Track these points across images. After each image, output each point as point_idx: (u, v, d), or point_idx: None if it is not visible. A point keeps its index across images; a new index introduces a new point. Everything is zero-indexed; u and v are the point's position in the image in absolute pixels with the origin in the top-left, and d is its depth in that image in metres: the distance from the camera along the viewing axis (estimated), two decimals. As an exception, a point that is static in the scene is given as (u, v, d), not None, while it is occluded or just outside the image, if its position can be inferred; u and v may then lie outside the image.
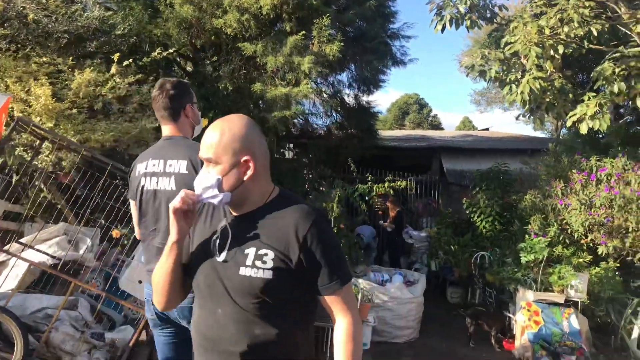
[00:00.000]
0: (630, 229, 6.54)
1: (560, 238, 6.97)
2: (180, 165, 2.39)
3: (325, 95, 10.08)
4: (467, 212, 8.94)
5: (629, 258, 6.79)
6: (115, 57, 6.66)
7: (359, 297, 5.51)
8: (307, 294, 1.71)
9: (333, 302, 1.70)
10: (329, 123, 10.91)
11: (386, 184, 6.44)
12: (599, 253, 6.70)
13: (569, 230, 6.91)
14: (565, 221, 6.94)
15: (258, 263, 1.62)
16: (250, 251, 1.64)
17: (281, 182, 7.86)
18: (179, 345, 2.53)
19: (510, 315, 6.71)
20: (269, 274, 1.61)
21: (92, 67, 6.39)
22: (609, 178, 6.87)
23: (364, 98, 10.58)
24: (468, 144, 12.06)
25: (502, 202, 8.63)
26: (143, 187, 2.47)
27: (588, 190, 6.83)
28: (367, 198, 6.75)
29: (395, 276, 7.06)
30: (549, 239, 6.74)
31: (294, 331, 1.71)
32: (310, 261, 1.63)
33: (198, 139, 2.44)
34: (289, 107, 7.01)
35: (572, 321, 6.10)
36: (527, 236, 6.84)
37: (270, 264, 1.61)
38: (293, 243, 1.62)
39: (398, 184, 6.49)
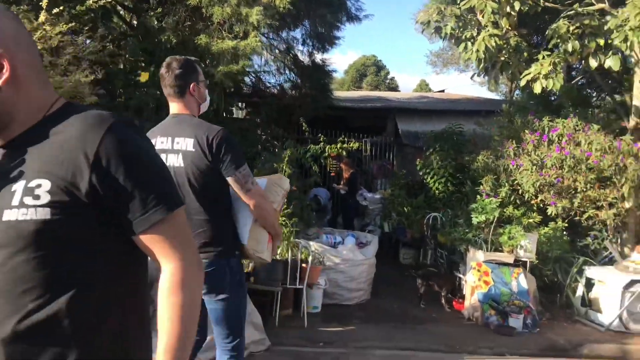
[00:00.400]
0: (578, 189, 6.58)
1: (511, 199, 6.98)
2: (187, 143, 2.42)
3: (277, 51, 9.68)
4: (421, 173, 8.87)
5: (577, 218, 6.87)
6: (44, 3, 6.07)
7: (310, 259, 5.34)
8: (113, 239, 1.16)
9: (154, 242, 1.16)
10: (282, 81, 10.56)
11: (338, 145, 6.22)
12: (549, 213, 6.75)
13: (520, 191, 6.92)
14: (516, 182, 6.93)
15: (28, 200, 1.08)
16: (19, 186, 1.10)
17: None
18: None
19: (461, 276, 6.72)
20: (44, 213, 1.08)
21: (16, 14, 5.79)
22: (560, 139, 6.87)
23: (319, 56, 10.25)
24: (423, 105, 11.97)
25: (455, 163, 8.60)
26: None
27: (540, 151, 6.82)
28: (320, 160, 6.53)
29: (348, 238, 6.92)
30: (500, 200, 6.73)
31: (95, 301, 1.13)
32: (108, 186, 1.11)
33: (203, 116, 2.62)
34: (236, 61, 6.62)
35: (521, 281, 6.13)
36: (478, 197, 6.81)
37: (45, 198, 1.08)
38: (80, 163, 1.09)
39: (351, 145, 6.28)
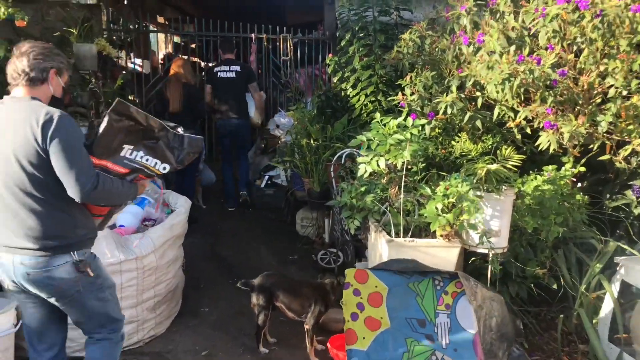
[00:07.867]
0: (610, 94, 2.87)
1: (463, 119, 3.31)
2: (236, 68, 5.60)
3: None
4: (336, 79, 5.19)
5: (603, 157, 3.20)
6: None
7: None
8: None
9: None
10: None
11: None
12: (540, 147, 3.09)
13: (480, 101, 3.24)
14: (475, 80, 3.22)
15: None
16: None
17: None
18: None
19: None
20: None
21: None
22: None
23: None
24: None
25: (390, 58, 4.85)
26: (219, 77, 5.58)
27: (525, 10, 3.05)
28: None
29: (128, 211, 3.43)
30: (433, 121, 3.09)
31: None
32: None
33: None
34: None
35: (460, 312, 2.62)
36: (372, 120, 3.11)
37: None
38: None
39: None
